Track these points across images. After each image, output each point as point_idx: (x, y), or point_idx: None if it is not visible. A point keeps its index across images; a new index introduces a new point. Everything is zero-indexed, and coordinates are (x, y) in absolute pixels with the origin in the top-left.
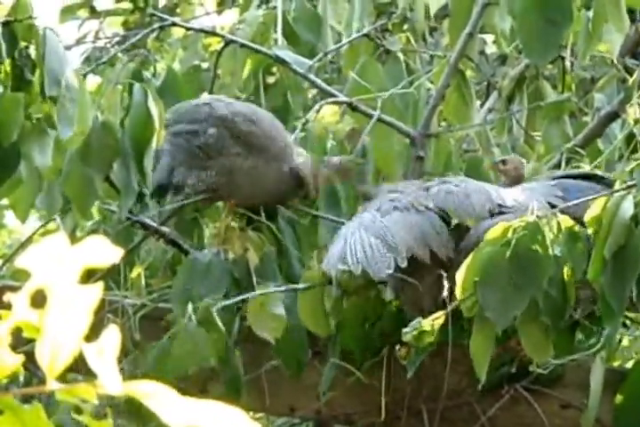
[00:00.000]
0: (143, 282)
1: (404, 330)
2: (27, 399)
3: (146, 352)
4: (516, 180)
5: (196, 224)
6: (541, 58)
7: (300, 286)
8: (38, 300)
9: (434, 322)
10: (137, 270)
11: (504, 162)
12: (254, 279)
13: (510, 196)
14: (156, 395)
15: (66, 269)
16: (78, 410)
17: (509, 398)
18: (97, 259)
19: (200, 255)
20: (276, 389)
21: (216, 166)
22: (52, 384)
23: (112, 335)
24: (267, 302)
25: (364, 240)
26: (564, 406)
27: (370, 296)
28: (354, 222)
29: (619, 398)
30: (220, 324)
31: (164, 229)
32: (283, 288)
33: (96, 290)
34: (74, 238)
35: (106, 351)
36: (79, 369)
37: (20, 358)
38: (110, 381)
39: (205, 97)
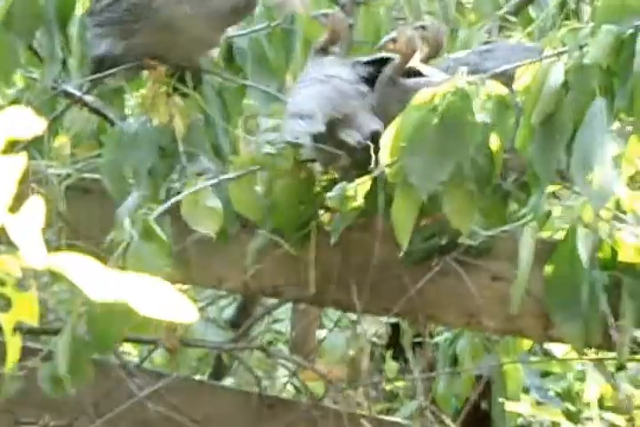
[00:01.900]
0: (68, 151)
1: (329, 194)
2: None
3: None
4: (435, 49)
5: (119, 93)
6: None
7: (231, 175)
8: None
9: (357, 186)
10: (61, 140)
11: (424, 27)
12: (181, 147)
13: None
14: (79, 267)
15: None
16: (1, 283)
17: (439, 271)
18: (20, 129)
19: (126, 125)
20: (203, 261)
21: (149, 24)
22: None
23: (36, 206)
24: (200, 196)
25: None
26: (495, 277)
27: (300, 177)
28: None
29: (548, 268)
30: (163, 236)
31: (89, 97)
32: (214, 181)
33: (20, 160)
34: None
35: (29, 223)
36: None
37: None
38: (34, 253)
39: None
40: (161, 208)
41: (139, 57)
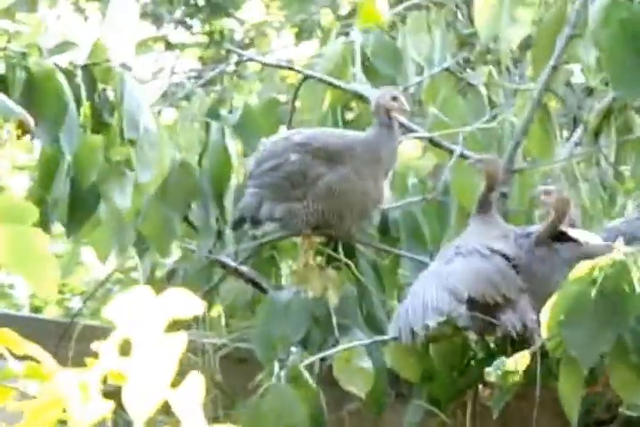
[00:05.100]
0: (223, 321)
1: (488, 370)
2: None
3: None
4: (558, 217)
5: (273, 263)
6: (631, 91)
7: (387, 337)
8: (123, 347)
9: (518, 361)
10: (217, 310)
11: (547, 192)
12: (334, 319)
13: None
14: None
15: (150, 320)
16: None
17: None
18: (180, 310)
19: (279, 295)
20: None
21: (309, 194)
22: None
23: (196, 381)
24: (352, 356)
25: (432, 296)
26: None
27: (457, 343)
28: (421, 277)
29: None
30: (311, 381)
31: (243, 268)
32: (368, 341)
33: (182, 338)
34: (154, 278)
35: (190, 396)
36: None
37: (111, 403)
38: (195, 426)
39: (282, 133)
40: (311, 359)
41: (301, 223)
